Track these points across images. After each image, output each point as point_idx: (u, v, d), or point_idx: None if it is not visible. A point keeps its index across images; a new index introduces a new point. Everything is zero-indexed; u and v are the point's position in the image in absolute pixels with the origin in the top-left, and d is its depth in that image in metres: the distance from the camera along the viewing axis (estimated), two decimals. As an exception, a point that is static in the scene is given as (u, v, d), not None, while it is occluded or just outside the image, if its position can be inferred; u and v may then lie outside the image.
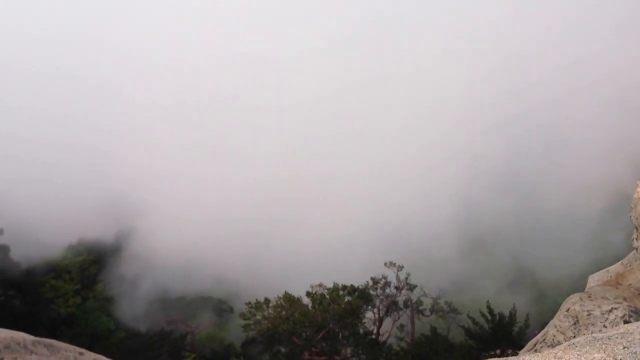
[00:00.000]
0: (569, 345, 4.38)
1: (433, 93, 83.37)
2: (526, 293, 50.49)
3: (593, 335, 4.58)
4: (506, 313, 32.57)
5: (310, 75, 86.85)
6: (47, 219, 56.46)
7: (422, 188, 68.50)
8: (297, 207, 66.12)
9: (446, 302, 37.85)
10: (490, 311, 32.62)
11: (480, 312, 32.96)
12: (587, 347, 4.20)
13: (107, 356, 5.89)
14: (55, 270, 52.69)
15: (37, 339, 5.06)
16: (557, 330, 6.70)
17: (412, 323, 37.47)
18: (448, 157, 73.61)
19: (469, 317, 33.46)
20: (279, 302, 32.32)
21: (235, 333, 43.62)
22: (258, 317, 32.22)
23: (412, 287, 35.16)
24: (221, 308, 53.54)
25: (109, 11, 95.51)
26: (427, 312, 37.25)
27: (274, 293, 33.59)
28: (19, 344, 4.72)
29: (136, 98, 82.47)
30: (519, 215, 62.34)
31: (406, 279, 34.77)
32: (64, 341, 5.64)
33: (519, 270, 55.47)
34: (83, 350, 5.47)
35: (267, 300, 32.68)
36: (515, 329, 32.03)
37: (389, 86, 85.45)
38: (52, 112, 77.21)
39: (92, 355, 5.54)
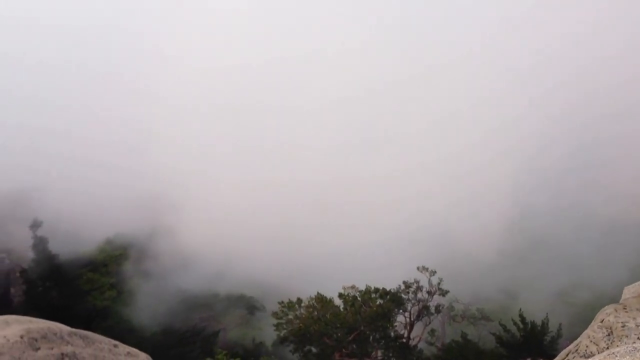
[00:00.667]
0: (608, 355, 4.39)
1: (476, 92, 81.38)
2: (563, 302, 49.42)
3: (634, 345, 4.57)
4: (548, 323, 32.08)
5: (345, 75, 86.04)
6: (84, 214, 57.46)
7: (466, 191, 66.58)
8: (332, 210, 65.56)
9: (478, 309, 37.52)
10: (523, 319, 32.23)
11: (512, 320, 32.61)
12: (628, 357, 4.20)
13: (140, 349, 6.01)
14: (92, 264, 53.62)
15: (73, 330, 5.15)
16: (591, 341, 6.65)
17: (443, 328, 37.24)
18: (494, 160, 70.96)
19: (500, 324, 33.15)
20: (311, 303, 32.40)
21: (266, 332, 43.82)
22: (290, 316, 32.32)
23: (444, 293, 34.85)
24: (253, 306, 53.78)
25: (144, 15, 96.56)
26: (459, 318, 37.01)
27: (306, 294, 33.69)
28: (55, 334, 4.81)
29: (172, 100, 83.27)
30: (566, 222, 60.56)
31: (438, 284, 34.49)
32: (99, 333, 5.76)
33: (559, 279, 54.08)
34: (117, 342, 5.55)
35: (299, 300, 32.77)
36: (547, 338, 31.59)
37: (427, 84, 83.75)
38: (92, 111, 78.56)
39: (126, 347, 5.60)
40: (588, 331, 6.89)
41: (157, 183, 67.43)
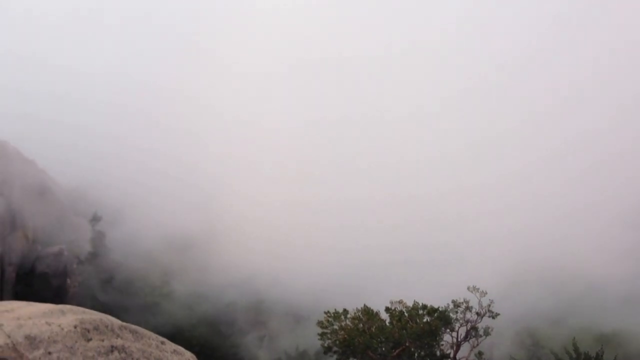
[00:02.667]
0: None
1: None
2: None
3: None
4: (603, 355, 30.78)
5: (436, 76, 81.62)
6: (139, 215, 58.62)
7: (575, 202, 59.70)
8: (403, 228, 62.85)
9: (529, 334, 36.55)
10: (576, 349, 31.25)
11: (565, 350, 31.66)
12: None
13: (186, 348, 6.08)
14: (146, 261, 54.85)
15: (124, 324, 5.32)
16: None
17: (492, 351, 36.36)
18: (610, 161, 63.57)
19: (552, 353, 32.29)
20: (357, 314, 32.15)
21: (310, 340, 43.70)
22: (335, 326, 32.11)
23: (494, 315, 34.03)
24: (299, 315, 53.88)
25: (210, 29, 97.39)
26: (508, 342, 36.13)
27: (353, 305, 33.45)
28: (107, 326, 4.96)
29: (238, 114, 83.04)
30: None
31: (489, 305, 33.71)
32: (148, 329, 5.87)
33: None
34: (165, 339, 5.69)
35: (345, 311, 32.53)
36: (601, 371, 30.49)
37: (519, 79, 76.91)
38: (153, 121, 79.79)
39: (173, 345, 5.72)
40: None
41: (210, 194, 67.94)
